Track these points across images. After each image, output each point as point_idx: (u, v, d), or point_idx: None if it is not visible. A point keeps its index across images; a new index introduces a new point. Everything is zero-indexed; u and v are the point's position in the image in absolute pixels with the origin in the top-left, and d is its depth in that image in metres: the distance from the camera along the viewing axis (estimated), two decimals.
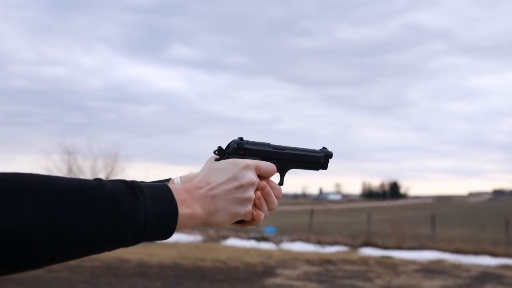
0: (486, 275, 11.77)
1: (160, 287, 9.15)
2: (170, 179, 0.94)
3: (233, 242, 18.01)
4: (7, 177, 0.67)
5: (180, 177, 0.94)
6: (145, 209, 0.75)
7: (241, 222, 0.92)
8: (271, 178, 0.96)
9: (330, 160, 1.05)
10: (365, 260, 13.47)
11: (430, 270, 12.19)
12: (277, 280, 10.17)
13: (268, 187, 0.92)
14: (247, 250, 15.30)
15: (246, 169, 0.89)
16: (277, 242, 18.05)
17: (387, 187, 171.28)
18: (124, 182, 0.77)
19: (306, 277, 10.66)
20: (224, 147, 0.95)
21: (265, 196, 0.92)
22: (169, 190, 0.80)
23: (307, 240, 18.38)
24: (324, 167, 1.05)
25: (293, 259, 13.26)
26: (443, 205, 79.95)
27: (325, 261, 13.13)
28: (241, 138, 0.96)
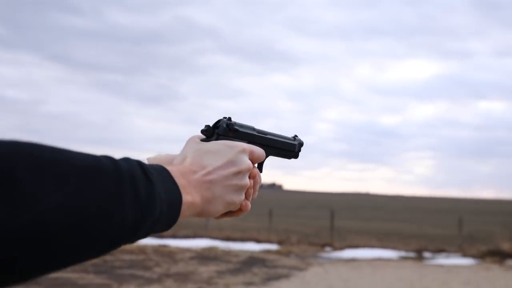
0: (253, 259, 12.99)
1: None
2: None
3: None
4: (14, 150, 0.49)
5: (147, 159, 0.80)
6: (160, 195, 0.62)
7: (227, 212, 0.82)
8: None
9: (301, 149, 0.99)
10: (142, 249, 13.51)
11: (204, 257, 12.88)
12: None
13: (259, 175, 0.84)
14: None
15: (242, 153, 0.79)
16: None
17: None
18: (136, 161, 0.62)
19: (82, 269, 10.20)
20: (210, 126, 0.84)
21: (254, 185, 0.83)
22: (170, 174, 0.66)
23: None
24: (297, 156, 0.99)
25: None
26: None
27: None
28: (229, 118, 0.86)
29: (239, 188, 0.77)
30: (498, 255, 14.86)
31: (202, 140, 0.82)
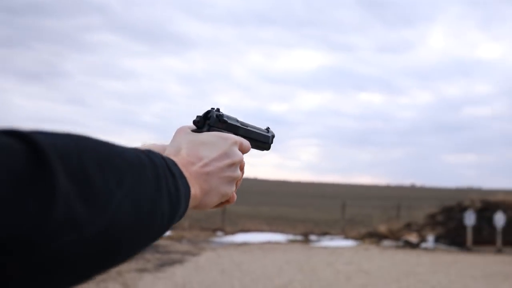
0: None
1: None
2: None
3: None
4: (80, 145, 0.47)
5: None
6: (181, 189, 0.62)
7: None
8: None
9: (273, 141, 1.00)
10: None
11: None
12: None
13: (244, 167, 0.85)
14: None
15: (235, 145, 0.79)
16: None
17: None
18: (159, 155, 0.61)
19: None
20: (201, 117, 0.83)
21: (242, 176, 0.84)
22: (178, 167, 0.65)
23: None
24: (269, 148, 1.00)
25: None
26: None
27: None
28: (217, 109, 0.85)
29: (232, 180, 0.77)
30: (375, 237, 16.15)
31: (193, 130, 0.81)
